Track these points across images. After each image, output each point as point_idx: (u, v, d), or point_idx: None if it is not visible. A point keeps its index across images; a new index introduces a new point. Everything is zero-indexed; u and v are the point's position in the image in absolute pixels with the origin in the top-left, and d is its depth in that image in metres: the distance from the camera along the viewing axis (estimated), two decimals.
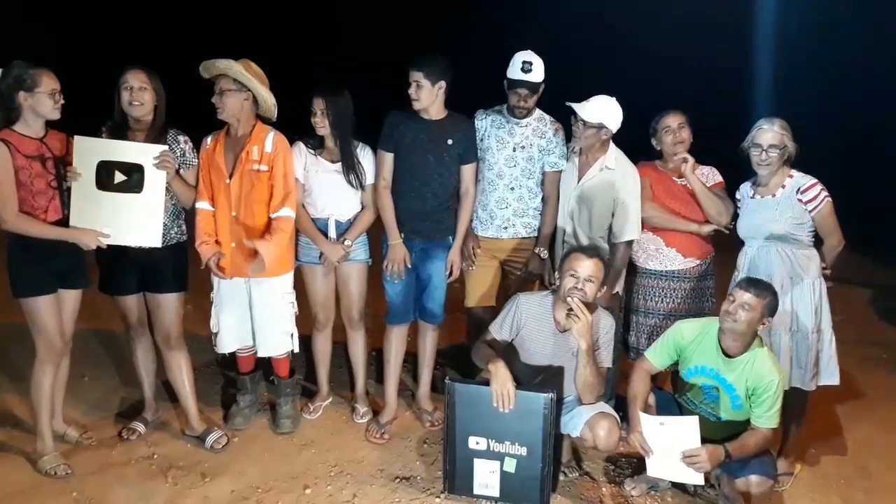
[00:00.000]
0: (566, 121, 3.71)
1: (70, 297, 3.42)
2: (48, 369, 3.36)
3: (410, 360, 4.26)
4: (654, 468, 3.10)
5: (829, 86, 10.09)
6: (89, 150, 3.27)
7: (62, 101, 3.21)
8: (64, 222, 3.28)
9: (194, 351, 4.16)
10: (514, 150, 3.76)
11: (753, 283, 3.05)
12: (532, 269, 3.84)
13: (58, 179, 3.25)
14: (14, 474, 3.35)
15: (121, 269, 3.50)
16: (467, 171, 3.69)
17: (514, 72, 3.64)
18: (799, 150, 3.36)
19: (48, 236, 3.22)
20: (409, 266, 3.70)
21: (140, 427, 3.74)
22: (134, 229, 3.34)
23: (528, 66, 3.61)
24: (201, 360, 4.55)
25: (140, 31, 12.72)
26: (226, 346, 3.80)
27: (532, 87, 3.64)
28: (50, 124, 3.27)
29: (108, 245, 3.31)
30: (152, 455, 3.56)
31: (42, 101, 3.14)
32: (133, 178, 3.29)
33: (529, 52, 3.65)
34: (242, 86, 3.44)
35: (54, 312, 3.31)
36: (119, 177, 3.28)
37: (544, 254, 3.82)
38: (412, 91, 3.49)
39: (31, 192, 3.16)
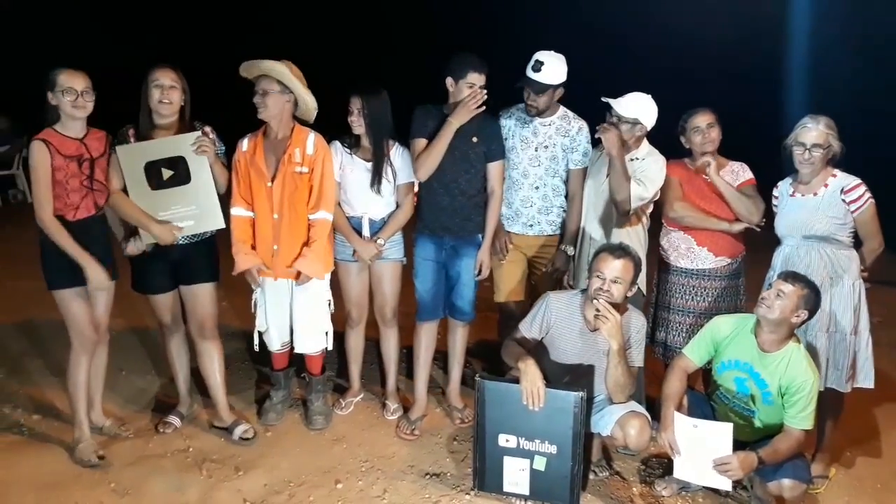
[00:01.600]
0: (593, 119, 3.71)
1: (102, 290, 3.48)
2: (83, 360, 3.45)
3: (440, 358, 4.28)
4: (682, 470, 3.08)
5: (868, 83, 9.88)
6: (133, 156, 3.35)
7: (84, 102, 3.25)
8: (97, 219, 3.37)
9: (228, 346, 4.22)
10: (538, 149, 3.77)
11: (793, 275, 3.02)
12: (558, 265, 3.84)
13: (91, 178, 3.32)
14: (55, 465, 3.44)
15: (153, 268, 3.56)
16: (493, 168, 3.69)
17: (527, 70, 3.65)
18: (843, 150, 3.30)
19: (67, 251, 3.27)
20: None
21: (176, 421, 3.81)
22: (198, 218, 3.45)
23: (538, 66, 3.60)
24: (236, 356, 4.64)
25: (164, 30, 12.92)
26: (275, 343, 3.85)
27: (537, 87, 3.63)
28: (93, 123, 3.35)
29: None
30: (187, 448, 3.63)
31: (61, 99, 3.22)
32: (180, 170, 3.38)
33: (549, 52, 3.64)
34: (285, 88, 3.49)
35: (85, 304, 3.40)
36: (167, 173, 3.38)
37: (570, 250, 3.82)
38: (477, 92, 3.49)
39: (66, 189, 3.24)
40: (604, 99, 3.58)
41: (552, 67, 3.61)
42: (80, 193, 3.29)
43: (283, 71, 3.45)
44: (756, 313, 3.03)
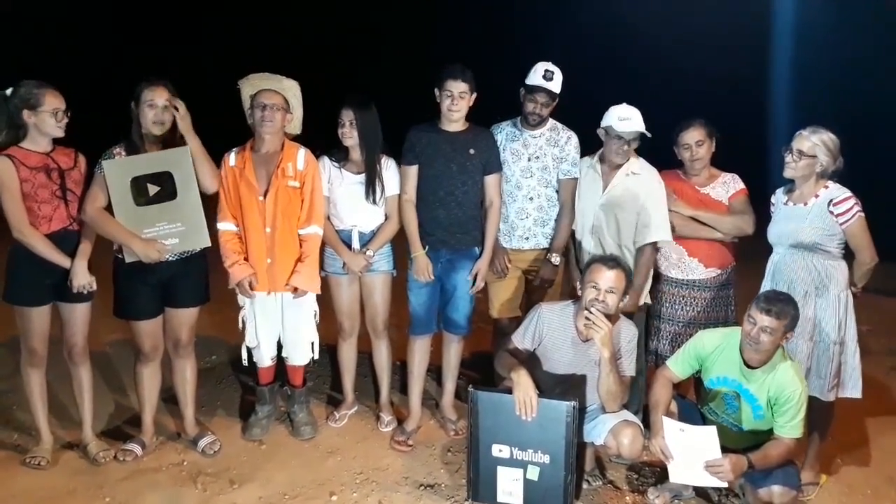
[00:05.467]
0: (582, 129, 3.76)
1: (78, 310, 3.46)
2: (29, 371, 3.48)
3: (434, 370, 4.30)
4: (676, 474, 3.09)
5: (860, 90, 9.95)
6: (119, 172, 3.33)
7: (66, 120, 3.29)
8: (72, 232, 3.36)
9: (217, 359, 4.22)
10: (529, 160, 3.82)
11: (772, 302, 2.96)
12: (544, 275, 3.86)
13: (62, 189, 3.32)
14: (50, 480, 3.43)
15: (140, 290, 3.50)
16: (491, 181, 3.74)
17: (534, 79, 3.69)
18: (840, 167, 3.30)
19: (51, 259, 3.29)
20: (433, 277, 3.74)
21: (137, 449, 3.65)
22: (183, 236, 3.41)
23: (549, 75, 3.67)
24: (224, 369, 4.71)
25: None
26: (265, 359, 3.87)
27: (551, 94, 3.70)
28: (59, 141, 3.35)
29: (129, 263, 3.39)
30: (182, 461, 3.63)
31: (45, 119, 3.23)
32: (166, 186, 3.36)
33: (550, 63, 3.71)
34: (287, 104, 3.57)
35: (44, 323, 3.40)
36: (153, 189, 3.35)
37: (556, 260, 3.84)
38: (454, 103, 3.56)
39: (36, 201, 3.25)
40: (609, 126, 3.61)
41: (558, 77, 3.71)
42: (52, 205, 3.29)
43: (298, 92, 3.58)
44: (745, 350, 3.04)
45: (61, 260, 3.30)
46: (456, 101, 3.56)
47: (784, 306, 2.96)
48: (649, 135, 3.61)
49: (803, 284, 3.32)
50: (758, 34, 11.48)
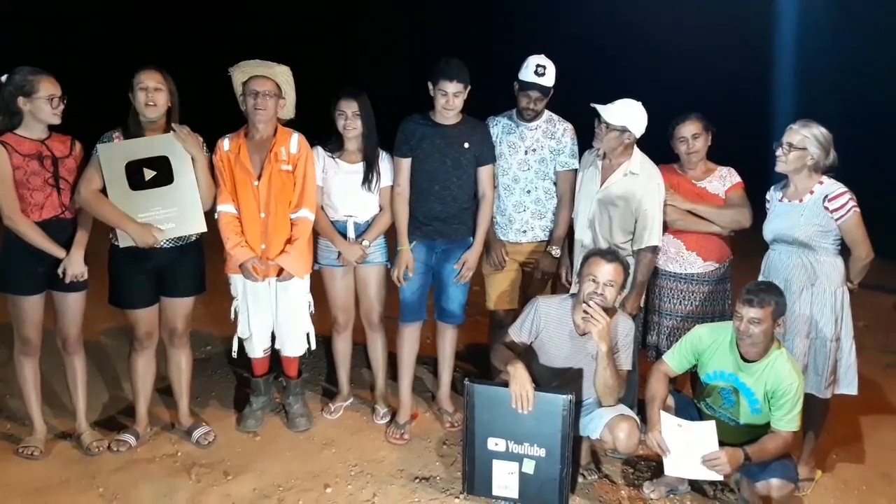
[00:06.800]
0: (580, 123, 3.74)
1: (71, 299, 3.43)
2: (23, 360, 3.46)
3: (430, 362, 4.28)
4: (671, 467, 3.10)
5: (857, 87, 9.93)
6: (114, 156, 3.31)
7: (62, 107, 3.26)
8: (63, 220, 3.33)
9: (210, 351, 4.18)
10: (526, 153, 3.80)
11: (752, 293, 2.97)
12: (543, 267, 3.85)
13: (55, 178, 3.29)
14: (43, 470, 3.42)
15: (135, 279, 3.48)
16: (484, 173, 3.72)
17: (526, 74, 3.68)
18: (834, 161, 3.29)
19: (41, 247, 3.26)
20: (412, 275, 3.73)
21: (130, 439, 3.64)
22: (179, 220, 3.39)
23: (541, 70, 3.65)
24: (217, 361, 4.69)
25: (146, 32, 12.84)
26: (257, 350, 3.85)
27: (543, 90, 3.68)
28: (56, 128, 3.33)
29: (125, 251, 3.37)
30: (176, 452, 3.62)
31: (40, 106, 3.21)
32: (162, 171, 3.34)
33: (542, 56, 3.69)
34: (279, 90, 3.55)
35: (36, 312, 3.38)
36: (148, 173, 3.33)
37: (556, 252, 3.83)
38: (448, 102, 3.52)
39: (29, 188, 3.23)
40: (593, 105, 3.58)
41: (551, 71, 3.68)
42: (44, 192, 3.27)
43: (290, 78, 3.55)
44: (740, 344, 3.04)
45: (51, 248, 3.28)
46: (451, 101, 3.53)
47: (765, 294, 2.97)
48: (613, 122, 3.49)
49: (799, 281, 3.31)
50: (757, 29, 11.44)
